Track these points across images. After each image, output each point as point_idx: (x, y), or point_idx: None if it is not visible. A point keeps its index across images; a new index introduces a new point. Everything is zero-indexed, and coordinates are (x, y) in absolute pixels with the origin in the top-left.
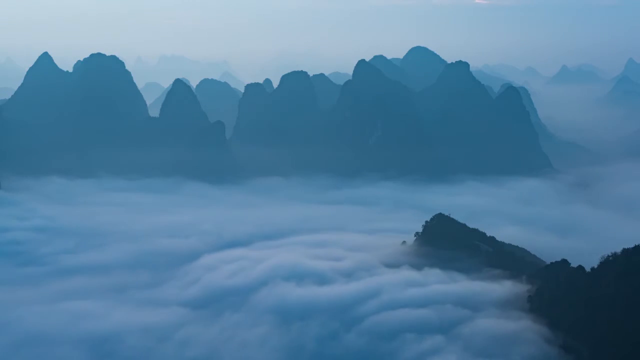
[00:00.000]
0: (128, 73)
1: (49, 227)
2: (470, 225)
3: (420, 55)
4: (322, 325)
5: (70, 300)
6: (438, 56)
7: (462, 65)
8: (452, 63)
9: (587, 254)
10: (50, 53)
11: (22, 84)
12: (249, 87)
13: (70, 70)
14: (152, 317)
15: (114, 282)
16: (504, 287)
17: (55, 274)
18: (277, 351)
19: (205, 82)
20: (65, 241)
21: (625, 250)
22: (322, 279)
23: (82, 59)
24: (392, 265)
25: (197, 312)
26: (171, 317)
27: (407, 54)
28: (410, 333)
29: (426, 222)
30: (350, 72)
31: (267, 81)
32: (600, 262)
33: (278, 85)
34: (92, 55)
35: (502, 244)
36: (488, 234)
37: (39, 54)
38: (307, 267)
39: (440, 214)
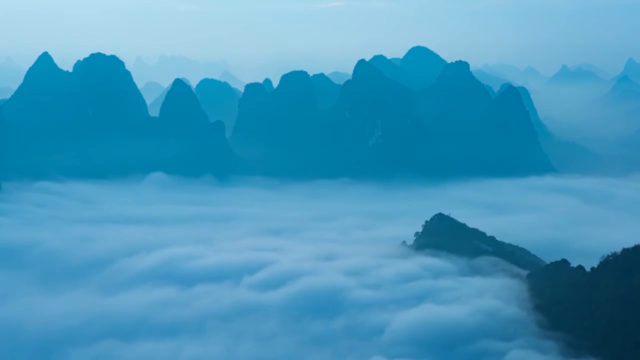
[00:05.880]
0: (128, 73)
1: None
2: (471, 225)
3: (420, 55)
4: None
5: None
6: (438, 56)
7: (462, 65)
8: (452, 63)
9: (587, 254)
10: (50, 53)
11: (22, 84)
12: (249, 87)
13: (70, 70)
14: None
15: None
16: (504, 287)
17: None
18: None
19: (205, 82)
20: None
21: (625, 250)
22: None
23: (82, 59)
24: (391, 265)
25: None
26: None
27: (407, 54)
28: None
29: (426, 222)
30: (350, 72)
31: (267, 81)
32: (600, 262)
33: (278, 85)
34: (92, 55)
35: (502, 243)
36: (488, 234)
37: (39, 54)
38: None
39: (440, 213)
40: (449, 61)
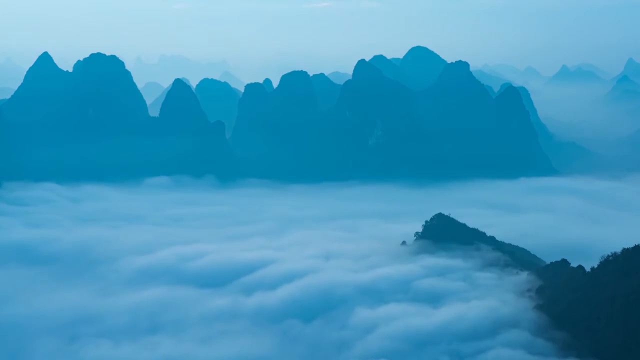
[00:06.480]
0: (128, 73)
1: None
2: (470, 225)
3: (420, 55)
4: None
5: None
6: (438, 56)
7: (462, 65)
8: (452, 63)
9: (587, 254)
10: (50, 53)
11: (22, 84)
12: (249, 87)
13: (70, 70)
14: None
15: None
16: (503, 287)
17: None
18: None
19: (205, 82)
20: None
21: (625, 250)
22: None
23: (82, 59)
24: (390, 265)
25: None
26: None
27: (407, 54)
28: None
29: (426, 222)
30: (350, 72)
31: (267, 81)
32: (600, 262)
33: (278, 85)
34: (92, 55)
35: (502, 244)
36: (488, 234)
37: (39, 54)
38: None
39: (440, 213)
40: (449, 61)
